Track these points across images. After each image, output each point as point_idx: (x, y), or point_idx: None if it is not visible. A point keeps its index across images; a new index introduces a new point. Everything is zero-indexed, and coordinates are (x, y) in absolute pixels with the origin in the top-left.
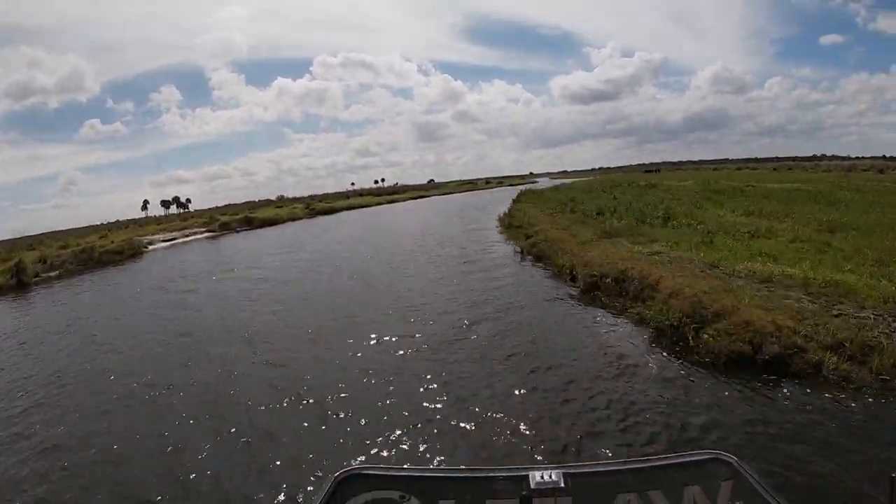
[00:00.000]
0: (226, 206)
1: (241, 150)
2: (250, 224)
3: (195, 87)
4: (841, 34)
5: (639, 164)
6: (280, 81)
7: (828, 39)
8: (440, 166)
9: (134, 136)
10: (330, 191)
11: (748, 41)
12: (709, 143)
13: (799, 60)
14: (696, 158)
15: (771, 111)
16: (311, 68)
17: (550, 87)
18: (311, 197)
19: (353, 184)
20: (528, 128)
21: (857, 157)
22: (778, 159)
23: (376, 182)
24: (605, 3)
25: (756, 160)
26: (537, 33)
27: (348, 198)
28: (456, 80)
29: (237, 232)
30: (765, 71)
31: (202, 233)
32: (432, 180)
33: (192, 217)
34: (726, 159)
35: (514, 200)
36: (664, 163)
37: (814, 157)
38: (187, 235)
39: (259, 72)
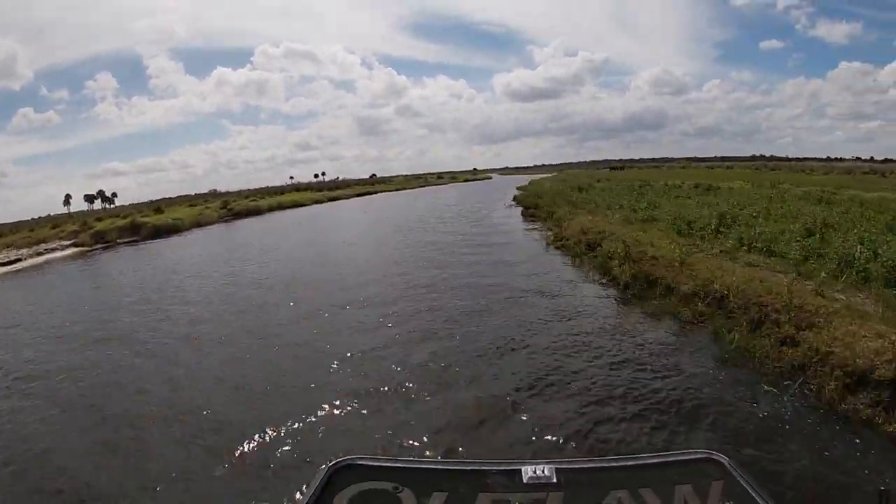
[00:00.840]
0: (160, 199)
1: (179, 142)
2: (138, 233)
3: (132, 74)
4: (780, 40)
5: (580, 162)
6: (220, 71)
7: (767, 45)
8: (381, 161)
9: (68, 125)
10: (269, 184)
11: (689, 44)
12: (647, 142)
13: (739, 64)
14: (636, 157)
15: (709, 112)
16: (252, 58)
17: (493, 84)
18: (240, 192)
19: (291, 178)
20: (470, 124)
21: (797, 159)
22: (721, 158)
23: (316, 176)
24: (550, 3)
25: (698, 159)
26: (482, 30)
27: (283, 193)
28: (400, 74)
29: (114, 247)
30: (704, 73)
31: (66, 248)
32: (374, 175)
33: (78, 219)
34: (668, 158)
35: (528, 206)
36: (604, 160)
37: (753, 157)
38: (41, 253)
39: (198, 60)
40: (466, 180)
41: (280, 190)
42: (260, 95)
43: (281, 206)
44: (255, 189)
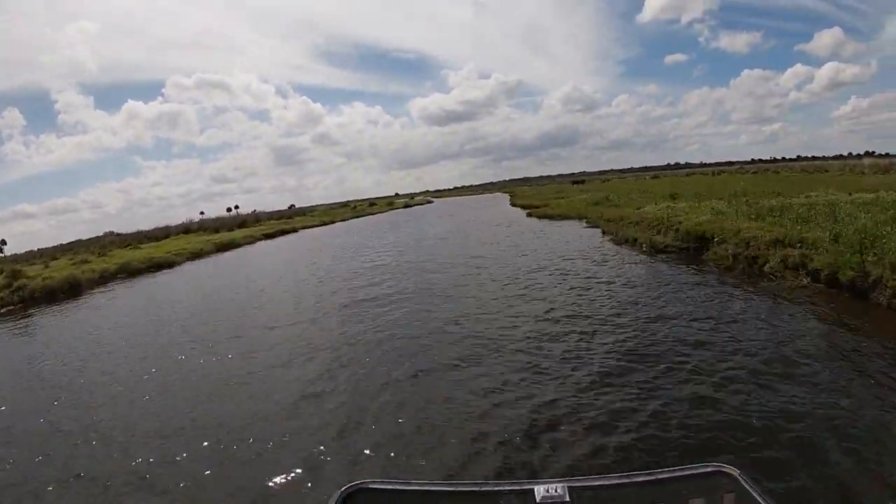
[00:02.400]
0: (71, 243)
1: (90, 180)
2: None
3: (40, 110)
4: (685, 53)
5: (499, 181)
6: (130, 104)
7: (672, 58)
8: (300, 191)
9: None
10: (184, 221)
11: (597, 62)
12: (561, 158)
13: (645, 78)
14: (553, 173)
15: (618, 126)
16: (163, 90)
17: (410, 109)
18: (100, 239)
19: (202, 213)
20: (388, 150)
21: (710, 164)
22: (638, 169)
23: (229, 210)
24: (461, 29)
25: (615, 171)
26: (397, 56)
27: (160, 238)
28: (315, 102)
29: None
30: (613, 89)
31: None
32: (293, 206)
33: None
34: (583, 171)
35: None
36: (522, 178)
37: (669, 166)
38: None
39: (108, 94)
40: (407, 205)
41: (165, 232)
42: (172, 128)
43: (127, 269)
44: (149, 231)
